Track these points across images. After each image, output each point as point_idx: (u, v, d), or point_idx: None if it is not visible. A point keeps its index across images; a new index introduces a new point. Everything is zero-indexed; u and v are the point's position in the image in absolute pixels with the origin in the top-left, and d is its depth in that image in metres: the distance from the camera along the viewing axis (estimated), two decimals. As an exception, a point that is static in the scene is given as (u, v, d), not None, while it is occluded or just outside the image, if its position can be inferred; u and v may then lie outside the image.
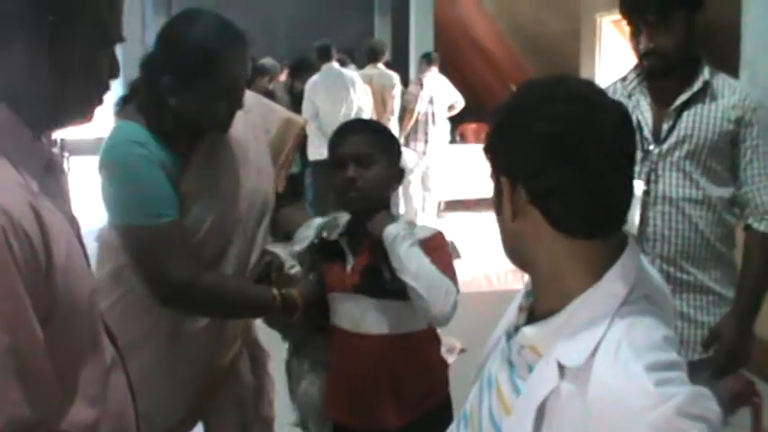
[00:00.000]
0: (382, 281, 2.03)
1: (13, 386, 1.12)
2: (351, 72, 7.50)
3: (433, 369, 2.16)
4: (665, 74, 2.37)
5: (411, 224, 2.13)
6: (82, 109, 1.34)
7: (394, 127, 7.74)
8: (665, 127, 2.37)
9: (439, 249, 2.07)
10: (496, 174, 1.24)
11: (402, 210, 7.78)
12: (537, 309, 1.26)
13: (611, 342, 1.11)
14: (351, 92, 7.18)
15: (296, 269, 2.20)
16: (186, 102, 2.00)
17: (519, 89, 1.26)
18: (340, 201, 2.10)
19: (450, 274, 2.01)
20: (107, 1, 1.31)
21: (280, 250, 2.23)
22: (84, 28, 1.27)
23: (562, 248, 1.19)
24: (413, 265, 1.95)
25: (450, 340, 4.26)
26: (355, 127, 2.24)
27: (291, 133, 2.40)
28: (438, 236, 2.14)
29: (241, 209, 2.17)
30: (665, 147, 2.36)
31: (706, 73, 2.36)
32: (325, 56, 7.35)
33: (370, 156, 2.10)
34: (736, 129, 2.33)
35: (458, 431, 1.39)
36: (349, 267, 2.09)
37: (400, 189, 7.76)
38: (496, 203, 1.25)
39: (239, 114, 2.20)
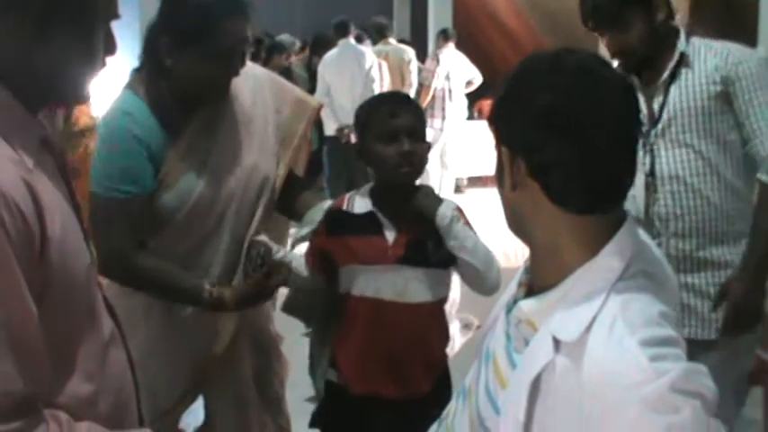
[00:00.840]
0: (427, 252, 2.08)
1: (5, 359, 1.12)
2: (365, 48, 7.48)
3: (447, 334, 2.23)
4: (641, 66, 2.40)
5: (452, 202, 2.14)
6: (76, 86, 1.33)
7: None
8: (656, 106, 2.39)
9: (467, 223, 2.14)
10: (498, 145, 1.24)
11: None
12: (535, 283, 1.26)
13: (606, 317, 1.10)
14: (363, 67, 7.15)
15: (281, 254, 2.19)
16: (182, 64, 2.02)
17: (524, 60, 1.25)
18: (390, 173, 2.08)
19: None
20: None
21: (265, 238, 2.23)
22: (80, 3, 1.26)
23: (560, 222, 1.18)
24: (469, 243, 2.06)
25: (467, 316, 4.27)
26: (403, 99, 2.22)
27: (304, 114, 2.38)
28: (458, 211, 2.15)
29: (236, 184, 2.17)
30: (659, 126, 2.37)
31: (680, 44, 2.37)
32: (342, 32, 7.32)
33: (422, 130, 2.13)
34: (724, 89, 2.33)
35: (456, 404, 1.40)
36: (391, 239, 2.09)
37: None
38: (498, 174, 1.25)
39: (249, 90, 2.22)
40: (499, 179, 1.25)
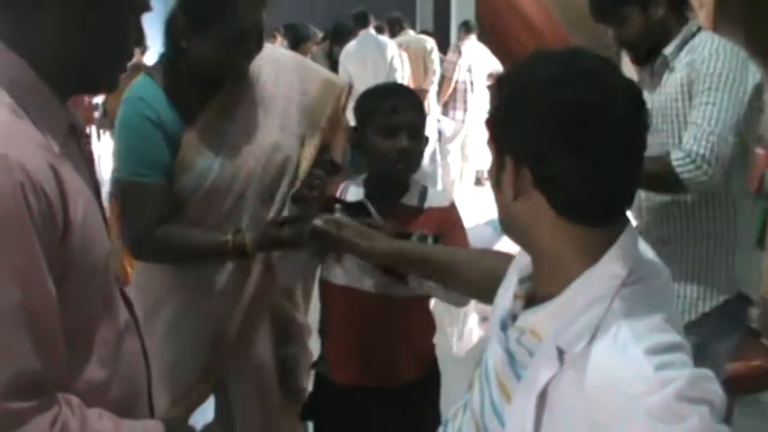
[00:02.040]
0: None
1: (24, 339, 1.14)
2: (385, 38, 7.47)
3: (433, 326, 2.23)
4: (647, 59, 2.54)
5: (421, 198, 2.14)
6: (106, 76, 1.36)
7: (434, 92, 7.73)
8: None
9: (451, 221, 2.12)
10: (498, 149, 1.20)
11: (440, 179, 7.77)
12: (537, 292, 1.25)
13: (609, 324, 1.09)
14: (385, 57, 7.16)
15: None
16: (197, 46, 2.05)
17: (529, 61, 1.19)
18: (385, 168, 2.08)
19: (465, 245, 2.09)
20: None
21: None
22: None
23: (563, 232, 1.16)
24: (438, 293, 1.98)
25: (485, 309, 4.28)
26: (406, 94, 2.20)
27: (332, 95, 2.38)
28: (451, 207, 2.16)
29: (255, 164, 2.19)
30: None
31: (669, 46, 2.48)
32: (362, 22, 7.32)
33: (422, 127, 2.12)
34: (689, 90, 2.40)
35: (463, 417, 1.39)
36: None
37: (438, 158, 7.75)
38: (495, 178, 1.22)
39: (272, 72, 2.25)
40: (497, 182, 1.22)
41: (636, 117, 1.14)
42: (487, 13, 9.82)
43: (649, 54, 2.52)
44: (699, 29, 2.50)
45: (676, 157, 2.30)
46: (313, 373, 2.28)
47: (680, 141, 2.38)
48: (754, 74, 2.38)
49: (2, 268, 1.13)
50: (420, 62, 7.77)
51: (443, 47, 8.31)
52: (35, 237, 1.14)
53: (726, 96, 2.31)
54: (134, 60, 5.04)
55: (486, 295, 1.50)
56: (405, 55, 7.54)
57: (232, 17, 2.02)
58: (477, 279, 1.68)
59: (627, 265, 1.14)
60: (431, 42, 8.03)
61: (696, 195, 2.44)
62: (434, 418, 2.09)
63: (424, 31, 8.91)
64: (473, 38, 7.91)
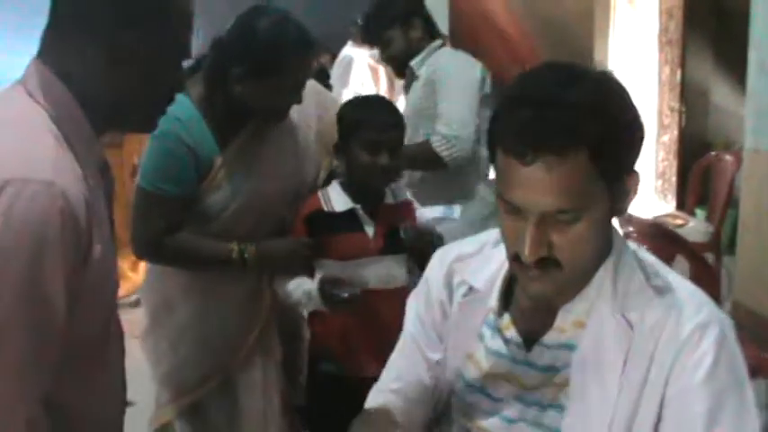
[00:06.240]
0: (400, 240, 2.26)
1: (33, 386, 1.24)
2: (352, 51, 7.49)
3: None
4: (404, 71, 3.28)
5: (393, 196, 2.40)
6: (145, 118, 1.45)
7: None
8: None
9: (408, 215, 2.37)
10: (587, 185, 1.22)
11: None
12: (556, 303, 1.33)
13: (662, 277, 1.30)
14: (350, 72, 7.29)
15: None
16: (251, 93, 2.20)
17: (594, 87, 1.24)
18: (365, 180, 2.24)
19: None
20: (186, 19, 1.40)
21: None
22: (164, 43, 1.36)
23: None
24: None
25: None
26: (392, 111, 2.36)
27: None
28: (408, 201, 2.43)
29: (274, 191, 2.35)
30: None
31: (415, 59, 3.21)
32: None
33: (401, 144, 2.32)
34: (433, 95, 3.11)
35: None
36: (371, 233, 2.25)
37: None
38: (584, 209, 1.23)
39: None
40: (583, 213, 1.23)
41: None
42: (461, 26, 9.89)
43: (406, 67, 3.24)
44: (442, 45, 3.27)
45: (434, 141, 3.00)
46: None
47: (433, 131, 3.03)
48: (479, 70, 3.18)
49: (31, 284, 1.19)
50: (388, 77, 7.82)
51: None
52: (63, 263, 1.22)
53: (461, 91, 3.06)
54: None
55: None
56: (381, 68, 7.60)
57: (289, 70, 2.19)
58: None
59: (626, 242, 1.33)
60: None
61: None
62: None
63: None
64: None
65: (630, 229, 3.36)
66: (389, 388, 1.56)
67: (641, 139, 1.25)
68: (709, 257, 4.65)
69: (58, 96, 1.29)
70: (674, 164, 7.08)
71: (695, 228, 4.76)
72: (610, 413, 1.21)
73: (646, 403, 1.21)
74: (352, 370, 2.25)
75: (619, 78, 1.27)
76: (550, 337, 1.32)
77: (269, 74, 2.17)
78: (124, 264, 5.12)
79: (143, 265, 3.54)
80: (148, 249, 2.30)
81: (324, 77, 7.49)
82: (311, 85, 2.57)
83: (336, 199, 2.26)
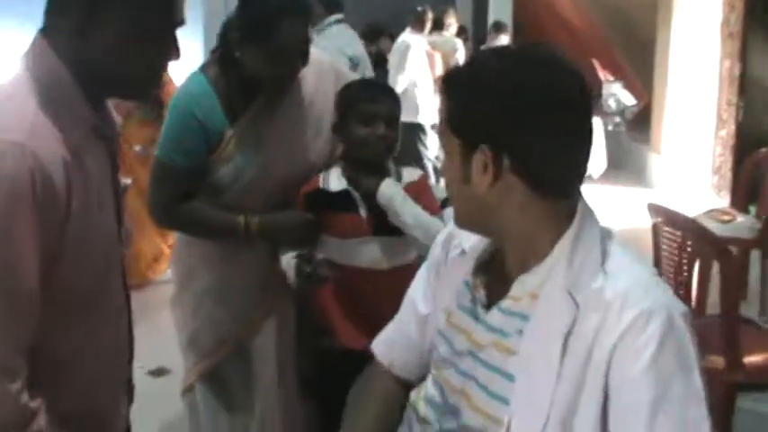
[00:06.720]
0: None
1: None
2: (410, 38, 7.55)
3: None
4: None
5: (397, 177, 2.37)
6: (141, 88, 1.49)
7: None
8: None
9: (424, 192, 2.37)
10: (467, 143, 1.29)
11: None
12: (507, 272, 1.36)
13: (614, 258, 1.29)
14: (407, 57, 7.41)
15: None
16: (250, 59, 2.23)
17: (485, 61, 1.34)
18: (364, 152, 2.28)
19: (437, 211, 2.33)
20: None
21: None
22: (159, 18, 1.41)
23: (535, 209, 1.29)
24: (408, 218, 2.25)
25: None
26: (385, 89, 2.46)
27: None
28: (422, 179, 2.42)
29: (285, 170, 2.38)
30: None
31: None
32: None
33: (398, 118, 2.33)
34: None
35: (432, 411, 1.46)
36: (364, 214, 2.30)
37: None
38: (462, 175, 1.31)
39: (313, 78, 2.43)
40: (463, 179, 1.31)
41: (587, 97, 1.31)
42: (526, 16, 9.85)
43: None
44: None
45: None
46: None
47: None
48: None
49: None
50: (445, 62, 7.89)
51: (481, 45, 8.39)
52: (33, 218, 1.27)
53: None
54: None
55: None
56: (437, 54, 7.70)
57: (276, 33, 2.18)
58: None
59: (596, 221, 1.33)
60: (457, 44, 8.36)
61: None
62: None
63: (462, 29, 8.99)
64: (503, 38, 8.03)
65: (659, 219, 3.35)
66: (382, 339, 1.72)
67: (498, 115, 1.27)
68: (755, 254, 4.59)
69: (49, 66, 1.36)
70: (730, 159, 6.91)
71: (743, 224, 4.66)
72: (552, 385, 1.26)
73: (590, 382, 1.24)
74: (339, 344, 2.33)
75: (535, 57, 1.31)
76: (505, 304, 1.37)
77: (261, 36, 2.19)
78: (164, 244, 5.35)
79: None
80: (162, 215, 2.40)
81: (382, 61, 7.59)
82: (337, 67, 2.64)
83: (333, 180, 2.34)
